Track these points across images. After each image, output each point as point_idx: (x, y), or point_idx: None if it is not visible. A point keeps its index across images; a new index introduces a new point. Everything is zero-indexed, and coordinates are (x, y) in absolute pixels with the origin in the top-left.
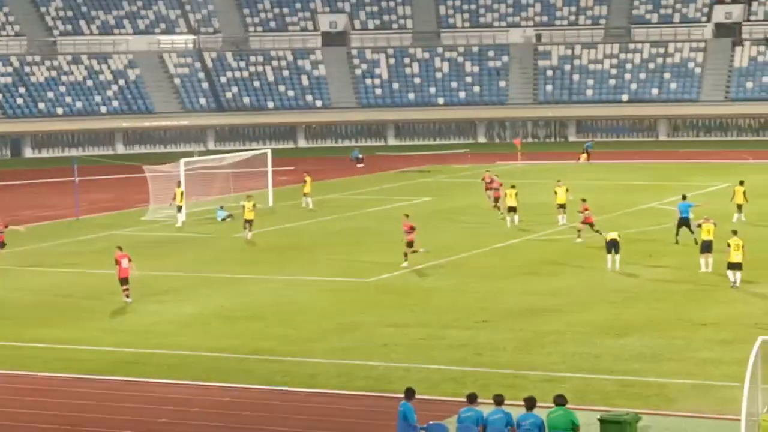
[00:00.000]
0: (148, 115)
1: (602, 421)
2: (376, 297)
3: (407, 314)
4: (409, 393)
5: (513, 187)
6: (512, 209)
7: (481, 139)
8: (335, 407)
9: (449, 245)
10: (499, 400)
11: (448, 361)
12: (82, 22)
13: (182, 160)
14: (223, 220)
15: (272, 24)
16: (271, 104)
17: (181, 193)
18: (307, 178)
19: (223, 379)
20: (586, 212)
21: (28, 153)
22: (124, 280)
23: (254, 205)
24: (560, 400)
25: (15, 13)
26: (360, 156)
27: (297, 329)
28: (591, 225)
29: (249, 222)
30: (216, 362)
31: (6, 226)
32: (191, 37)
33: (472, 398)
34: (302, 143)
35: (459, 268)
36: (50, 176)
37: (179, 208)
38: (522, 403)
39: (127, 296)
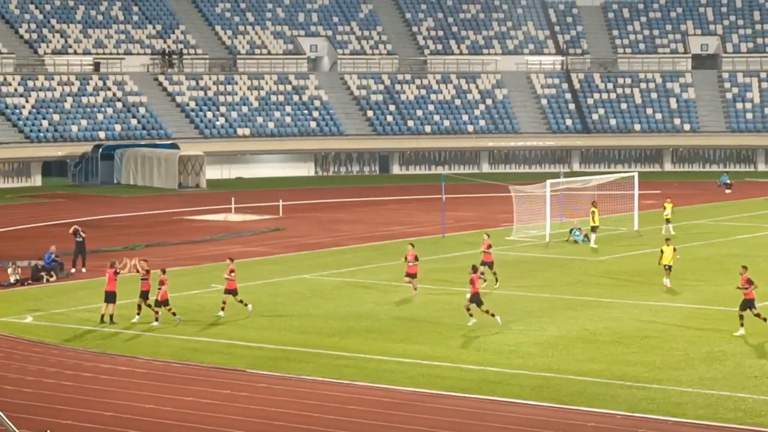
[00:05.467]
0: (514, 134)
1: None
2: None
3: None
4: None
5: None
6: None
7: None
8: None
9: None
10: None
11: None
12: (452, 42)
13: (548, 181)
14: (576, 242)
15: (641, 46)
16: (637, 126)
17: (593, 213)
18: (667, 204)
19: (587, 403)
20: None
21: (396, 170)
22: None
23: (674, 249)
24: None
25: (388, 32)
26: (729, 182)
27: (663, 356)
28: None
29: (668, 268)
30: (579, 386)
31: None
32: (559, 58)
33: None
34: (668, 167)
35: None
36: (416, 193)
37: (593, 229)
38: None
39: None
